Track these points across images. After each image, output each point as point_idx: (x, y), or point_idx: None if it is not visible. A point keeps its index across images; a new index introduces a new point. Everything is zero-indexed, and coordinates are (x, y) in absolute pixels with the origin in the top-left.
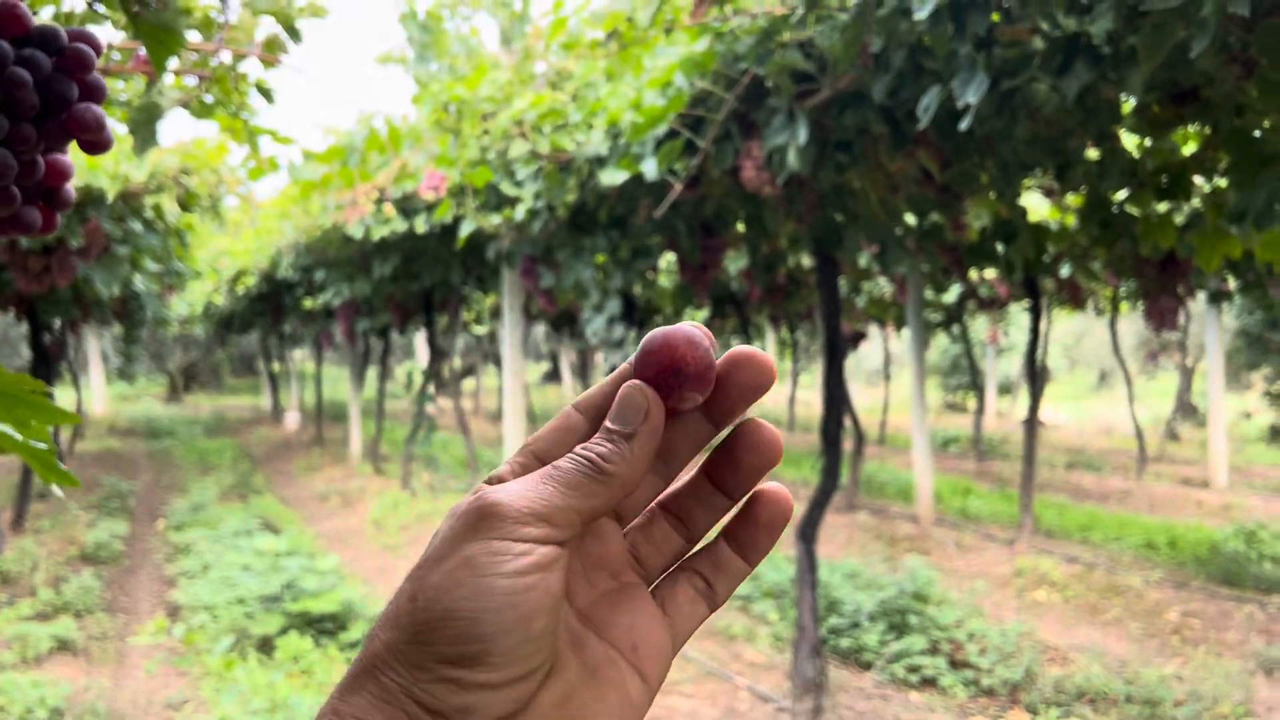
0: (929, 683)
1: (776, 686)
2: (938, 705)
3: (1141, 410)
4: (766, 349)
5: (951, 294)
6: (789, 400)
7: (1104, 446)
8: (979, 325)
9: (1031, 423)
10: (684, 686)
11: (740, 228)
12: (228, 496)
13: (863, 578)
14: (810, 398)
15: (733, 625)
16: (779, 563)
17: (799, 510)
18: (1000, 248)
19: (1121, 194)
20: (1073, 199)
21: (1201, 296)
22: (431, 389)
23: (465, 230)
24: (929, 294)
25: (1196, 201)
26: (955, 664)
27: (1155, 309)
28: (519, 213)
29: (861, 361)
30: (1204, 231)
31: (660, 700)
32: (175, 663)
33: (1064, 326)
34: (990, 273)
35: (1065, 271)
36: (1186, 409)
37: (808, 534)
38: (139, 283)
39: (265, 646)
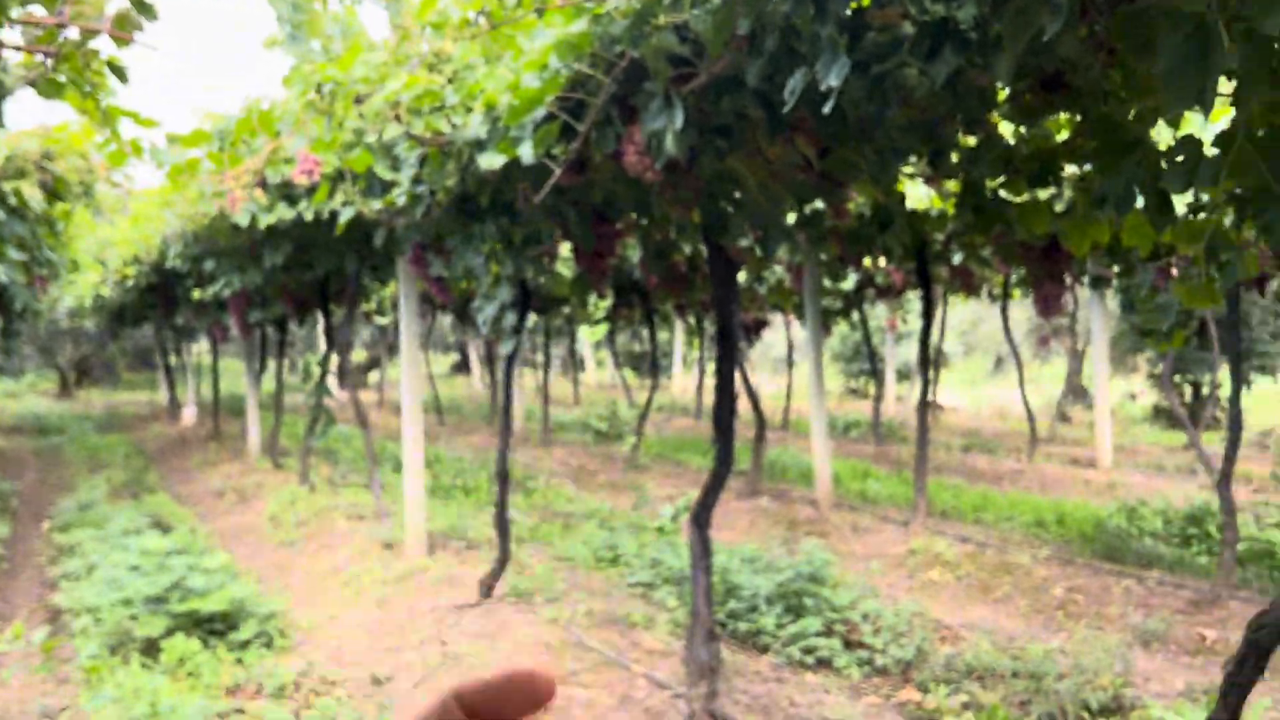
0: (824, 663)
1: (674, 673)
2: (832, 686)
3: (1034, 393)
4: (674, 338)
5: (849, 282)
6: (696, 388)
7: (998, 429)
8: (880, 313)
9: (924, 407)
10: (582, 676)
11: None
12: (119, 495)
13: (762, 561)
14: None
15: (632, 613)
16: (680, 549)
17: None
18: (881, 233)
19: (998, 180)
20: (953, 185)
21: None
22: (330, 381)
23: (344, 216)
24: (827, 282)
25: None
26: (850, 644)
27: (1041, 295)
28: (399, 198)
29: (768, 349)
30: (1075, 218)
31: (558, 691)
32: (46, 669)
33: (960, 313)
34: (884, 260)
35: (958, 259)
36: (1076, 392)
37: (701, 520)
38: (2, 273)
39: (150, 649)
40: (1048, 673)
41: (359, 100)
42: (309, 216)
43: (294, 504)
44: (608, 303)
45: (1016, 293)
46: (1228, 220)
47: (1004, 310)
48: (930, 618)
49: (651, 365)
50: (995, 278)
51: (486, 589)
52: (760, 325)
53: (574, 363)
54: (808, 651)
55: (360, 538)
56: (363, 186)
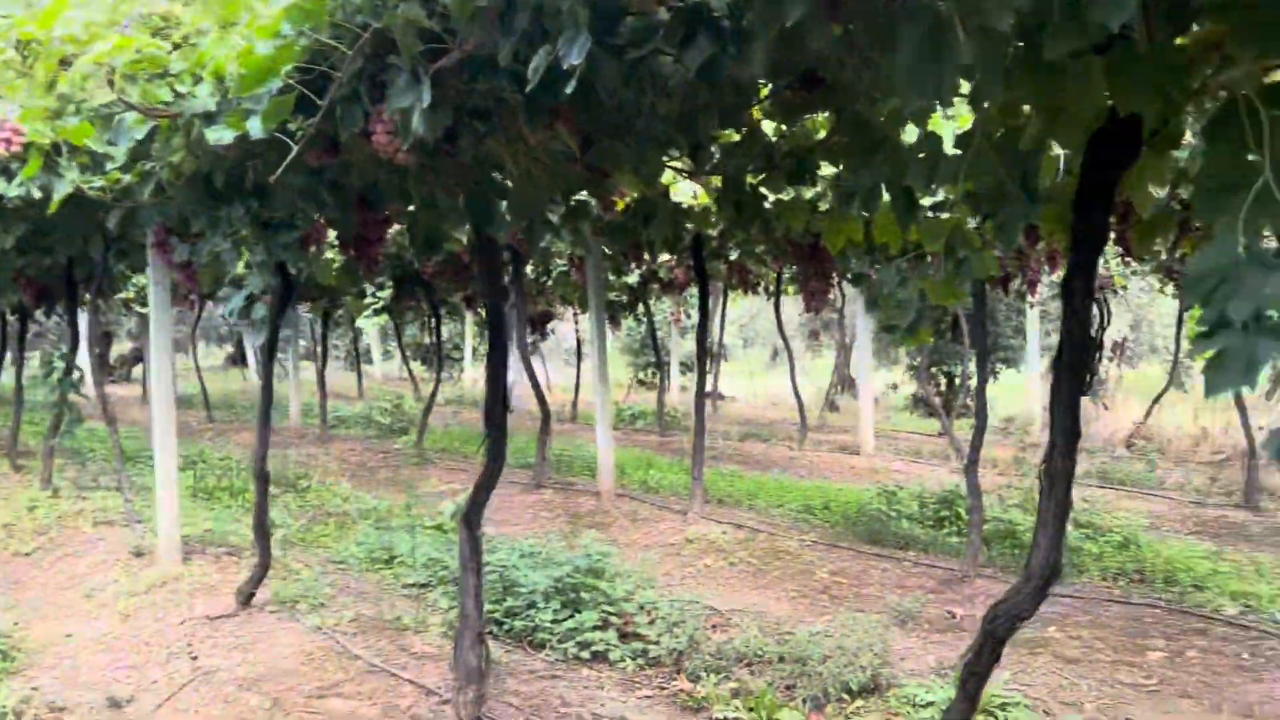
0: (600, 657)
1: (443, 678)
2: (607, 680)
3: (807, 384)
4: (464, 330)
5: (634, 277)
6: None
7: (774, 418)
8: (666, 307)
9: (701, 398)
10: (343, 687)
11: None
12: None
13: (541, 556)
14: (512, 377)
15: (404, 616)
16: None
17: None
18: (644, 226)
19: (760, 177)
20: (718, 181)
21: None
22: (77, 375)
23: (58, 194)
24: (612, 276)
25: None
26: (626, 636)
27: (808, 291)
28: (125, 175)
29: (561, 341)
30: (832, 215)
31: (316, 704)
32: None
33: (740, 308)
34: (664, 256)
35: (735, 256)
36: (845, 382)
37: (471, 519)
38: None
39: None
40: (812, 656)
41: (65, 63)
42: (37, 194)
43: (33, 510)
44: (387, 293)
45: (790, 289)
46: (974, 221)
47: (777, 306)
48: (704, 605)
49: (436, 357)
50: (770, 274)
51: (245, 597)
52: (547, 317)
53: (358, 355)
54: (583, 646)
55: (107, 545)
56: (84, 161)
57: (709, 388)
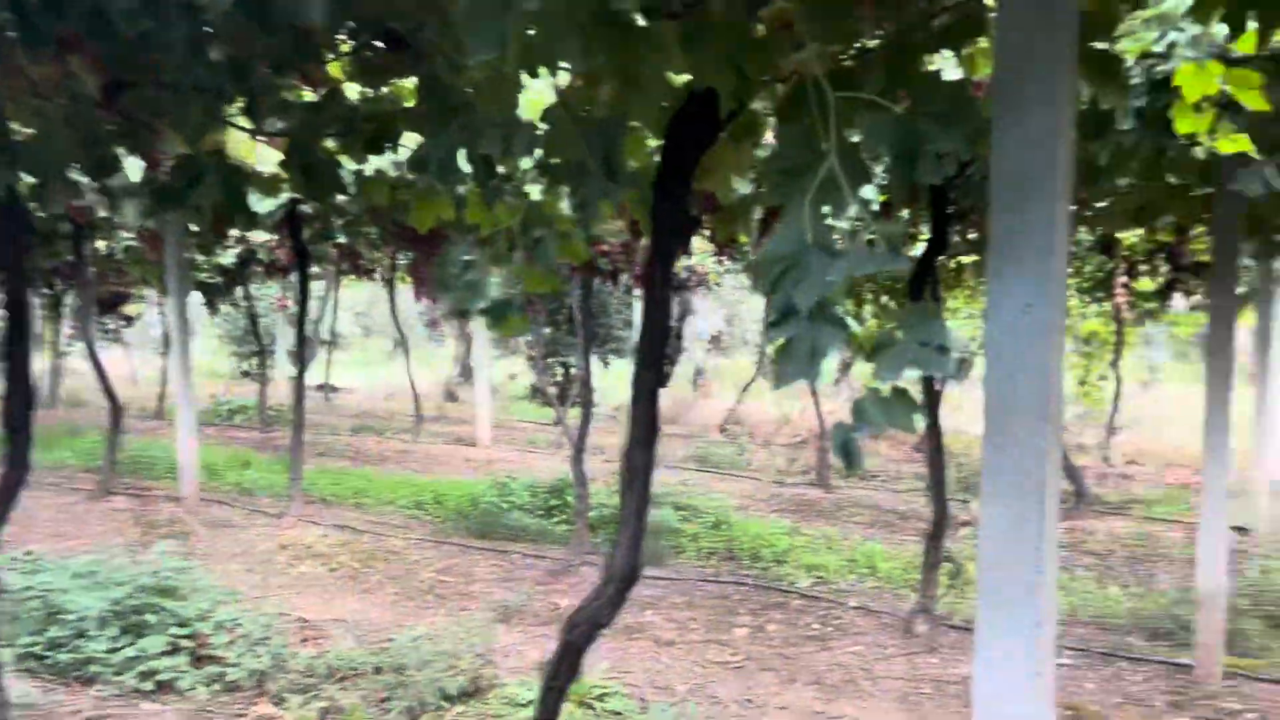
0: (167, 687)
1: None
2: (173, 713)
3: (430, 375)
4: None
5: (229, 256)
6: (50, 371)
7: (391, 409)
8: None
9: (300, 389)
10: None
11: None
12: None
13: (99, 575)
14: (83, 366)
15: None
16: None
17: None
18: (190, 189)
19: (339, 143)
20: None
21: None
22: None
23: None
24: (201, 255)
25: None
26: (200, 660)
27: (418, 278)
28: None
29: (149, 328)
30: (422, 192)
31: None
32: None
33: (359, 294)
34: (261, 235)
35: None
36: (466, 372)
37: None
38: None
39: None
40: (410, 663)
41: None
42: None
43: None
44: None
45: (405, 276)
46: (566, 205)
47: (391, 292)
48: (295, 618)
49: None
50: (384, 260)
51: None
52: (120, 299)
53: None
54: (146, 676)
55: None
56: None
57: (321, 379)
